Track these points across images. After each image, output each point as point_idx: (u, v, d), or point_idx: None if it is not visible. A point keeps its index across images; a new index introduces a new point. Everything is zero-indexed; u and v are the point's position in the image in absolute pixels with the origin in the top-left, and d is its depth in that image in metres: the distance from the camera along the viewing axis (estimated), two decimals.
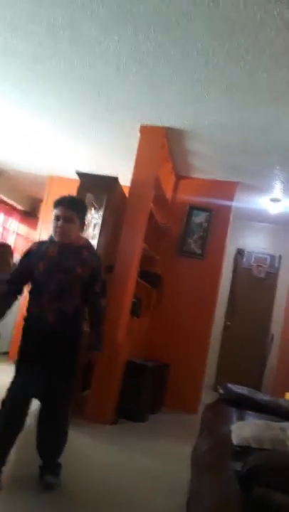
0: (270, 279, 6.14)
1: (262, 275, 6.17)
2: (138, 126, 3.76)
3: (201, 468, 1.89)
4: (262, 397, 2.89)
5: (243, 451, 1.78)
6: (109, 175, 3.77)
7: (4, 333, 5.50)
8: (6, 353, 5.48)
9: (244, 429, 1.95)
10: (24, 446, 2.41)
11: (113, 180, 3.69)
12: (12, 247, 4.27)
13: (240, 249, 6.25)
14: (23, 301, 5.56)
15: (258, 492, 1.38)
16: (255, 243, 6.24)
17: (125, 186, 3.87)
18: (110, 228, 3.73)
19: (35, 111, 3.89)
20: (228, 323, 6.14)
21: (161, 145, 3.80)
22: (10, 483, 2.22)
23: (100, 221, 3.74)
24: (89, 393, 3.58)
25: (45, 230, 5.62)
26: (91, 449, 2.97)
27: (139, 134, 3.79)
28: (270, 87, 2.81)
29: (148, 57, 2.76)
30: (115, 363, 3.56)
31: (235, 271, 6.23)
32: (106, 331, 3.58)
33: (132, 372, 3.78)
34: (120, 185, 3.81)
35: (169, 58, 2.73)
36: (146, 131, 3.75)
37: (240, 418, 2.48)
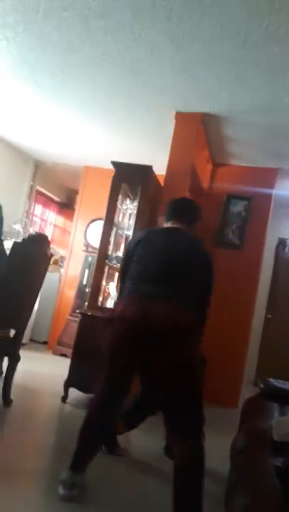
0: None
1: None
2: (173, 113, 3.67)
3: (240, 463, 1.83)
4: None
5: (284, 447, 1.70)
6: (144, 164, 3.71)
7: (43, 322, 5.63)
8: (45, 343, 5.60)
9: (286, 425, 1.85)
10: None
11: (148, 169, 3.63)
12: (49, 238, 4.33)
13: (282, 239, 6.02)
14: (62, 290, 5.65)
15: None
16: None
17: (160, 175, 3.80)
18: (146, 219, 3.68)
19: (69, 101, 3.89)
20: (269, 316, 5.94)
21: (197, 131, 3.69)
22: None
23: (135, 211, 3.70)
24: None
25: (81, 221, 5.67)
26: (128, 439, 2.97)
27: (174, 121, 3.70)
28: None
29: (183, 40, 2.67)
30: None
31: (276, 262, 6.01)
32: None
33: None
34: (155, 174, 3.75)
35: (204, 40, 2.62)
36: (182, 118, 3.66)
37: (282, 413, 2.38)
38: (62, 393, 3.42)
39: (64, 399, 3.41)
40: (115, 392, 2.00)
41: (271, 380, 2.79)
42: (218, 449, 2.80)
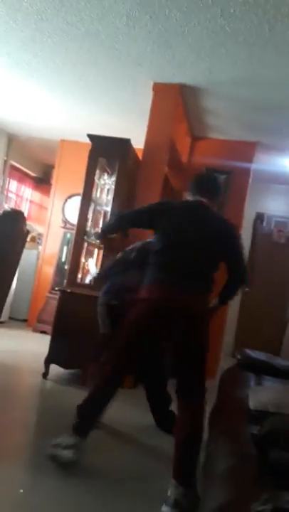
0: None
1: (282, 240, 6.01)
2: (151, 84, 3.59)
3: (218, 432, 1.88)
4: (280, 362, 2.85)
5: (260, 415, 1.75)
6: (122, 137, 3.63)
7: (23, 300, 5.59)
8: (25, 321, 5.58)
9: (262, 394, 1.91)
10: None
11: (125, 143, 3.56)
12: (26, 214, 4.24)
13: (260, 214, 6.07)
14: (41, 267, 5.58)
15: (274, 455, 1.36)
16: (276, 207, 6.04)
17: (139, 149, 3.74)
18: (124, 194, 3.64)
19: (43, 72, 3.75)
20: (247, 289, 6.05)
21: (176, 104, 3.63)
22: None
23: (113, 186, 3.65)
24: None
25: (58, 197, 5.57)
26: (110, 411, 3.01)
27: (152, 93, 3.62)
28: None
29: (159, 10, 2.58)
30: None
31: (254, 236, 6.08)
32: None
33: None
34: (133, 148, 3.68)
35: (181, 9, 2.54)
36: (160, 89, 3.58)
37: (258, 383, 2.45)
38: (43, 370, 3.43)
39: (45, 375, 3.43)
40: (131, 358, 2.20)
41: (248, 351, 2.86)
42: None
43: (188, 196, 2.26)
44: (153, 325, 2.09)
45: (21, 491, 1.83)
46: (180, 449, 1.97)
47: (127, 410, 2.99)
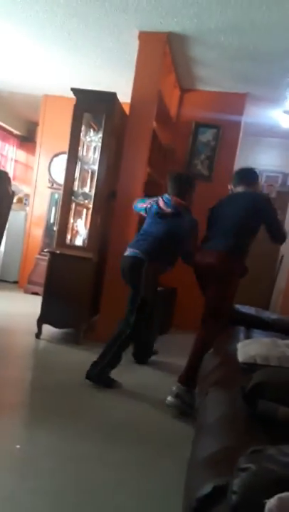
0: (281, 198, 5.94)
1: (273, 195, 5.97)
2: (136, 33, 3.40)
3: (208, 384, 1.93)
4: (269, 315, 2.91)
5: (249, 368, 1.79)
6: (107, 91, 3.48)
7: (13, 262, 5.57)
8: (16, 282, 5.58)
9: (250, 347, 1.95)
10: None
11: (111, 97, 3.41)
12: (11, 174, 4.13)
13: None
14: (30, 229, 5.51)
15: (262, 406, 1.40)
16: (267, 161, 5.94)
17: (126, 104, 3.60)
18: (112, 151, 3.53)
19: (23, 22, 3.52)
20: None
21: (163, 53, 3.45)
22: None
23: (100, 144, 3.54)
24: (98, 317, 3.65)
25: (43, 156, 5.41)
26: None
27: (138, 42, 3.43)
28: None
29: None
30: (123, 288, 3.58)
31: None
32: (111, 259, 3.59)
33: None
34: (119, 102, 3.54)
35: None
36: (146, 38, 3.40)
37: (247, 337, 2.50)
38: (35, 330, 3.47)
39: (38, 335, 3.47)
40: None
41: (237, 306, 2.90)
42: None
43: (234, 188, 2.83)
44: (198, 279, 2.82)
45: (18, 446, 1.89)
46: (189, 358, 2.56)
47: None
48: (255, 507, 0.80)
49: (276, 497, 0.78)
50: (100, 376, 2.68)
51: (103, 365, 2.70)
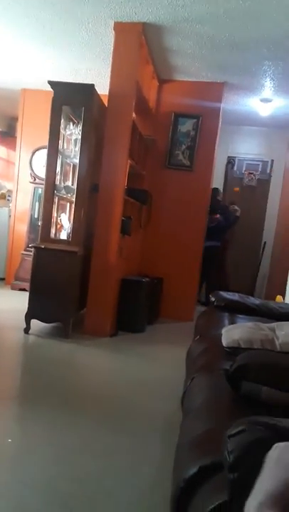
0: (262, 186, 6.03)
1: (254, 183, 6.04)
2: (111, 24, 3.38)
3: (194, 370, 1.97)
4: (253, 301, 2.96)
5: (233, 351, 1.84)
6: (85, 83, 3.46)
7: None
8: (2, 279, 5.56)
9: (234, 332, 2.00)
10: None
11: (89, 89, 3.40)
12: None
13: (231, 157, 6.04)
14: (14, 225, 5.49)
15: (246, 387, 1.45)
16: (246, 149, 6.00)
17: (105, 96, 3.59)
18: (92, 144, 3.53)
19: None
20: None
21: (140, 44, 3.45)
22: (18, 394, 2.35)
23: (80, 137, 3.53)
24: (86, 311, 3.68)
25: (24, 151, 5.36)
26: (92, 358, 3.14)
27: (113, 33, 3.42)
28: None
29: None
30: (108, 280, 3.61)
31: (226, 181, 6.09)
32: (97, 252, 3.61)
33: (128, 289, 3.88)
34: (98, 94, 3.53)
35: None
36: (121, 29, 3.39)
37: (232, 322, 2.55)
38: (24, 326, 3.49)
39: (27, 330, 3.49)
40: None
41: (221, 292, 2.95)
42: (175, 359, 3.04)
43: None
44: None
45: (10, 440, 1.92)
46: None
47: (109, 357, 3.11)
48: (252, 462, 0.85)
49: (275, 446, 0.83)
50: None
51: None
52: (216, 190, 5.37)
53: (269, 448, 0.86)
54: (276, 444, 0.85)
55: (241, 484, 0.85)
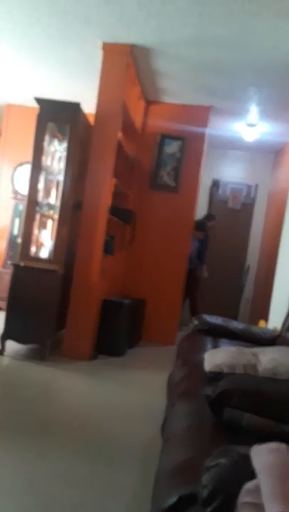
0: (246, 210, 6.07)
1: (238, 207, 6.08)
2: (100, 44, 3.40)
3: (176, 395, 1.90)
4: (236, 325, 2.91)
5: (215, 377, 1.78)
6: (71, 101, 3.45)
7: None
8: None
9: (217, 356, 1.94)
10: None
11: (75, 107, 3.38)
12: None
13: (216, 181, 6.09)
14: None
15: (228, 414, 1.39)
16: (231, 173, 6.07)
17: (91, 115, 3.58)
18: (77, 161, 3.49)
19: None
20: None
21: (127, 65, 3.47)
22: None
23: (65, 154, 3.49)
24: (65, 332, 3.56)
25: (6, 166, 5.30)
26: (70, 383, 3.01)
27: (101, 53, 3.44)
28: None
29: None
30: (89, 301, 3.51)
31: (210, 203, 6.11)
32: (78, 271, 3.52)
33: (109, 310, 3.77)
34: (84, 112, 3.51)
35: None
36: (110, 49, 3.41)
37: (215, 346, 2.49)
38: None
39: (1, 351, 3.34)
40: None
41: (204, 316, 2.89)
42: (156, 384, 2.94)
43: None
44: None
45: None
46: None
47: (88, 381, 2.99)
48: (226, 497, 0.84)
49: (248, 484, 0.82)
50: None
51: None
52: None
53: (244, 483, 0.85)
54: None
55: None
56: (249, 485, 0.83)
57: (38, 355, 3.33)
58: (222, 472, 0.88)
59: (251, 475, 0.86)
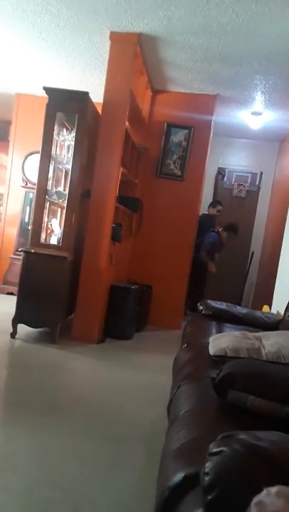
0: (251, 197, 6.11)
1: (243, 194, 6.13)
2: (108, 33, 3.43)
3: (181, 377, 1.99)
4: (240, 310, 3.01)
5: (220, 360, 1.87)
6: (80, 90, 3.50)
7: None
8: None
9: (221, 340, 2.03)
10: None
11: (84, 96, 3.43)
12: None
13: (221, 169, 6.12)
14: (3, 229, 5.47)
15: (232, 396, 1.46)
16: (236, 161, 6.09)
17: (98, 103, 3.63)
18: (85, 150, 3.56)
19: None
20: None
21: (135, 54, 3.50)
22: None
23: (73, 143, 3.55)
24: (74, 316, 3.68)
25: (17, 155, 5.37)
26: (79, 364, 3.14)
27: (109, 42, 3.47)
28: None
29: None
30: (98, 286, 3.62)
31: (215, 191, 6.16)
32: (87, 257, 3.62)
33: (117, 295, 3.88)
34: (92, 102, 3.56)
35: None
36: (117, 39, 3.43)
37: (219, 330, 2.58)
38: (11, 330, 3.47)
39: (13, 335, 3.47)
40: None
41: (209, 301, 2.99)
42: (162, 367, 3.05)
43: None
44: None
45: None
46: None
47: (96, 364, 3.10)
48: (227, 487, 0.84)
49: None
50: None
51: None
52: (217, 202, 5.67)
53: (246, 473, 0.84)
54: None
55: (216, 506, 0.84)
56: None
57: (49, 339, 3.46)
58: (224, 462, 0.89)
59: (252, 468, 0.86)
